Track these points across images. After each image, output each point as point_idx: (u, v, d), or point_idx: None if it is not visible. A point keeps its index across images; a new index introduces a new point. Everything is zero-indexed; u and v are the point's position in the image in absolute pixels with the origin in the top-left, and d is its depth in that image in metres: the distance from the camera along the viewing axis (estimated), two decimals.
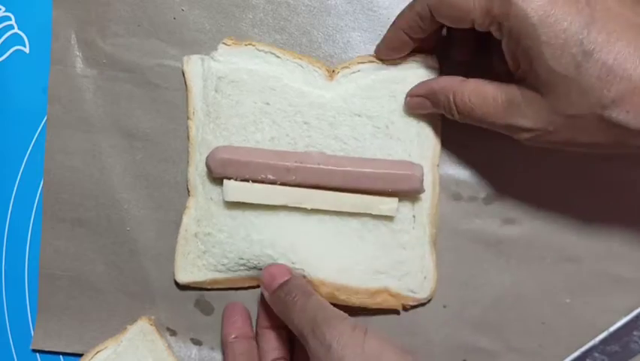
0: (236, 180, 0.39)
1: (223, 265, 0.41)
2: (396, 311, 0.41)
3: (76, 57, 0.43)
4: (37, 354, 0.44)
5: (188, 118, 0.41)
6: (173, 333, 0.43)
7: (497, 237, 0.41)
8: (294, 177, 0.39)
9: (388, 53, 0.39)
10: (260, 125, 0.41)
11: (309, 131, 0.40)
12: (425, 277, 0.40)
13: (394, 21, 0.38)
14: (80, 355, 0.42)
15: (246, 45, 0.41)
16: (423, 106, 0.38)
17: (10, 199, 0.44)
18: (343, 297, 0.39)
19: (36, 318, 0.43)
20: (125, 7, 0.42)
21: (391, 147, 0.40)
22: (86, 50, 0.43)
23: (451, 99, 0.35)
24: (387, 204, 0.39)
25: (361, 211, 0.39)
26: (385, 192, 0.39)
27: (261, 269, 0.40)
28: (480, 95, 0.34)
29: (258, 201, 0.39)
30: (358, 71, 0.40)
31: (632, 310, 0.40)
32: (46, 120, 0.43)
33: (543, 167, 0.41)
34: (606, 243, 0.40)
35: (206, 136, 0.41)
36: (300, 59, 0.41)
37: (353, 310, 0.39)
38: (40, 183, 0.43)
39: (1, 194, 0.44)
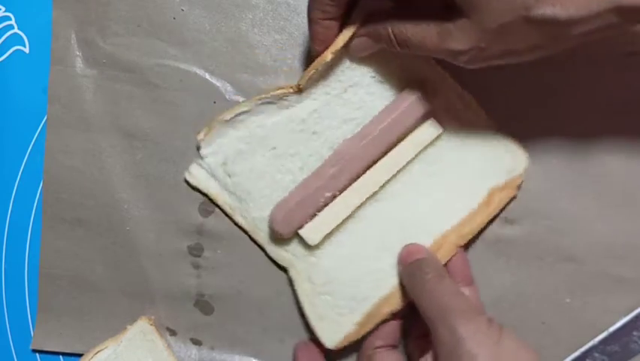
0: (306, 223, 0.39)
1: (355, 298, 0.40)
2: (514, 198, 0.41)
3: (76, 57, 0.43)
4: (37, 354, 0.44)
5: (230, 217, 0.42)
6: (172, 333, 0.43)
7: (497, 237, 0.41)
8: (344, 178, 0.39)
9: (321, 47, 0.39)
10: (283, 168, 0.41)
11: (323, 135, 0.40)
12: (510, 151, 0.40)
13: (308, 17, 0.37)
14: (80, 355, 0.42)
15: (215, 125, 0.40)
16: (367, 45, 0.38)
17: (10, 199, 0.44)
18: (468, 230, 0.39)
19: (36, 318, 0.43)
20: (125, 6, 0.42)
21: (387, 89, 0.40)
22: (86, 50, 0.43)
23: (390, 31, 0.36)
24: (428, 129, 0.39)
25: (416, 152, 0.39)
26: (412, 126, 0.39)
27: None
28: (416, 25, 0.35)
29: (338, 221, 0.39)
30: (315, 70, 0.39)
31: (632, 311, 0.40)
32: (46, 120, 0.43)
33: (542, 167, 0.41)
34: (606, 243, 0.40)
35: (254, 214, 0.41)
36: (264, 96, 0.40)
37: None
38: (40, 183, 0.43)
39: (1, 194, 0.44)
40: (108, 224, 0.43)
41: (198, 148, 0.41)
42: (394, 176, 0.40)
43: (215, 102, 0.42)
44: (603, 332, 0.40)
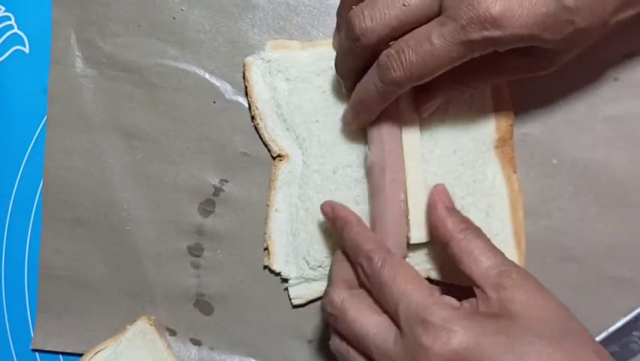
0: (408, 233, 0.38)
1: None
2: None
3: (76, 57, 0.43)
4: (37, 354, 0.44)
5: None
6: (172, 333, 0.43)
7: None
8: (400, 174, 0.37)
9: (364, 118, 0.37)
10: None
11: None
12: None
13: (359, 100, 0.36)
14: (80, 355, 0.42)
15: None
16: (436, 103, 0.38)
17: (10, 199, 0.44)
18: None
19: (36, 318, 0.43)
20: (125, 6, 0.42)
21: None
22: (85, 50, 0.43)
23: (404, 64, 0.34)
24: None
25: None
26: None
27: None
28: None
29: (423, 206, 0.37)
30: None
31: (631, 311, 0.40)
32: (46, 120, 0.43)
33: (543, 165, 0.41)
34: (606, 243, 0.40)
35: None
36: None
37: None
38: (39, 183, 0.43)
39: (0, 194, 0.44)
40: (108, 224, 0.43)
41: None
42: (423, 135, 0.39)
43: (214, 102, 0.42)
44: (603, 332, 0.40)
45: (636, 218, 0.40)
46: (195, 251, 0.43)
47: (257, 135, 0.42)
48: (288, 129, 0.41)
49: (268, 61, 0.41)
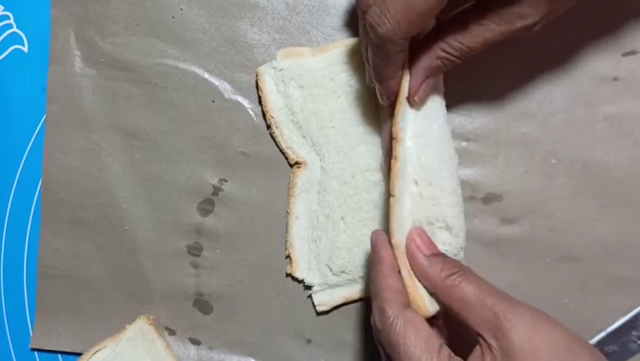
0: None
1: None
2: None
3: (75, 56, 0.43)
4: (36, 353, 0.44)
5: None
6: (171, 332, 0.43)
7: (496, 237, 0.41)
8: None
9: (392, 99, 0.36)
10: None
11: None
12: None
13: (380, 76, 0.34)
14: (79, 354, 0.42)
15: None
16: (431, 87, 0.36)
17: (9, 198, 0.44)
18: None
19: (35, 317, 0.43)
20: (124, 6, 0.42)
21: None
22: (84, 49, 0.43)
23: (445, 53, 0.34)
24: None
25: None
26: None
27: None
28: (466, 32, 0.33)
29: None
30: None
31: (630, 310, 0.40)
32: (45, 119, 0.43)
33: (542, 165, 0.41)
34: (605, 243, 0.40)
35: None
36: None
37: None
38: (39, 182, 0.43)
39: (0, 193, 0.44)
40: (107, 223, 0.43)
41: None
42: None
43: (213, 101, 0.42)
44: (602, 331, 0.40)
45: (635, 217, 0.40)
46: (194, 250, 0.43)
47: (256, 135, 0.42)
48: (304, 136, 0.41)
49: (280, 69, 0.41)
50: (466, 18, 0.33)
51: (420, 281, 0.33)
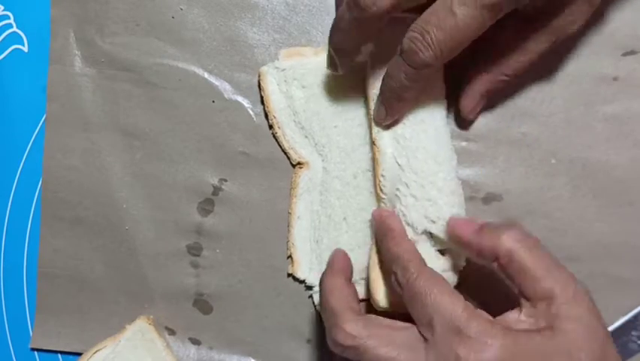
0: None
1: None
2: None
3: (74, 56, 0.43)
4: (36, 353, 0.44)
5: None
6: (171, 332, 0.43)
7: None
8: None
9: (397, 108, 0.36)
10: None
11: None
12: None
13: (401, 97, 0.35)
14: (79, 354, 0.42)
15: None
16: (479, 102, 0.38)
17: (9, 198, 0.44)
18: None
19: (35, 317, 0.43)
20: (124, 5, 0.42)
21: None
22: (84, 49, 0.43)
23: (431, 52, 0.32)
24: None
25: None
26: None
27: None
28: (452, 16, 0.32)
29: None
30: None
31: (630, 310, 0.40)
32: (45, 119, 0.43)
33: (542, 165, 0.41)
34: (605, 243, 0.40)
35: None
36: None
37: None
38: (38, 182, 0.43)
39: None
40: (107, 223, 0.43)
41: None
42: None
43: (213, 101, 0.42)
44: None
45: (636, 217, 0.40)
46: (194, 250, 0.43)
47: (256, 135, 0.42)
48: (306, 137, 0.41)
49: (283, 70, 0.41)
50: (515, 37, 0.34)
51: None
